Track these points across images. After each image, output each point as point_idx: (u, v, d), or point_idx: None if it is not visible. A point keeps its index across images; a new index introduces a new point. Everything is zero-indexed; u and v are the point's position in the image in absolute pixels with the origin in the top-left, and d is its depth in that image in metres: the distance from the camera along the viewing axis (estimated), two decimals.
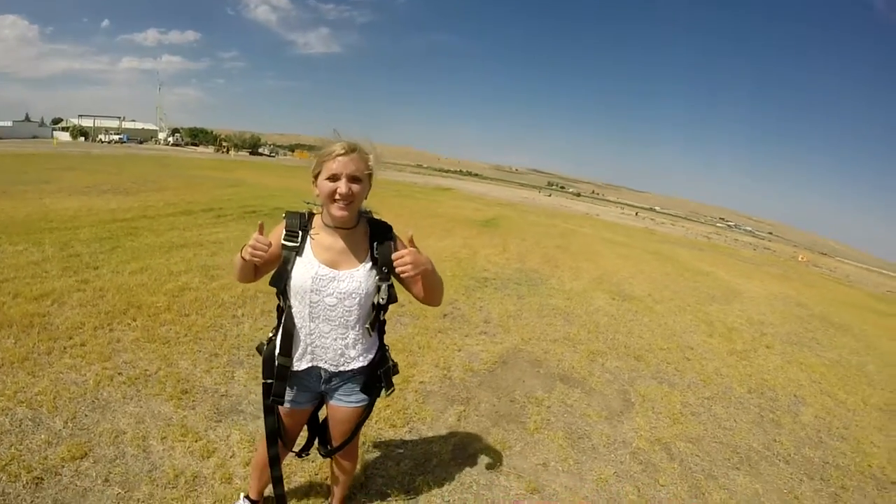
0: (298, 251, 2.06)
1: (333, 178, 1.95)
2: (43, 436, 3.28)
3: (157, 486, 2.97)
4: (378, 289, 2.09)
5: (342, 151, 1.96)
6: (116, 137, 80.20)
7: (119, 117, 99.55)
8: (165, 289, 6.14)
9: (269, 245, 1.97)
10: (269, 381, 2.19)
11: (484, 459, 3.59)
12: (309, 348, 2.13)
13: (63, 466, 3.04)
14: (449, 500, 3.15)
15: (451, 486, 3.28)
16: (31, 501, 2.77)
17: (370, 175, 2.06)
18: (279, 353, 2.15)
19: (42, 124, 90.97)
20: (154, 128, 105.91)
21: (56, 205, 11.27)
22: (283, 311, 2.17)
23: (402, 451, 3.57)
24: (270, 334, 2.25)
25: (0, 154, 29.17)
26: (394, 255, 1.94)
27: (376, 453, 3.50)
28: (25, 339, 4.45)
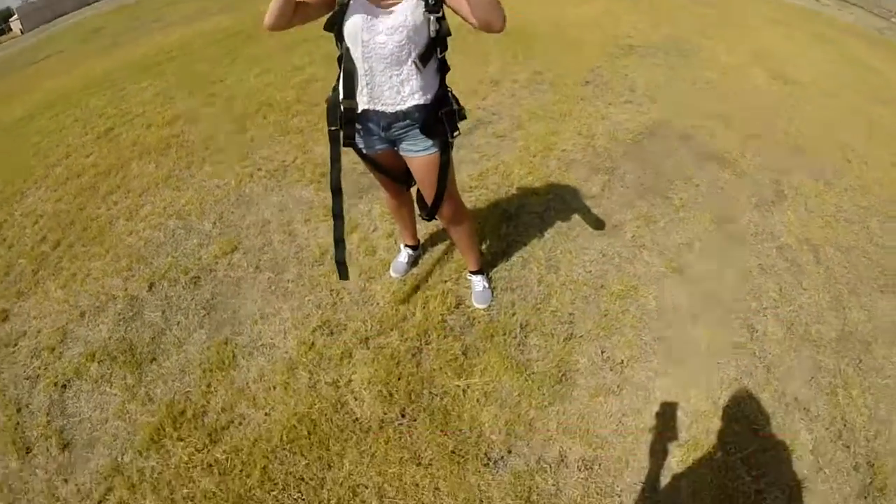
0: None
1: None
2: (195, 240, 3.74)
3: (305, 265, 3.32)
4: (428, 21, 2.09)
5: None
6: None
7: None
8: (293, 83, 6.39)
9: None
10: (334, 128, 2.31)
11: (627, 233, 3.61)
12: (366, 89, 2.21)
13: (216, 263, 3.47)
14: (591, 271, 3.26)
15: (592, 256, 3.37)
16: (192, 299, 3.24)
17: None
18: (343, 98, 2.24)
19: None
20: None
21: (168, 38, 11.65)
22: (340, 61, 2.24)
23: (543, 219, 3.68)
24: (335, 84, 2.35)
25: (108, 12, 30.13)
26: None
27: (517, 220, 3.65)
28: (164, 161, 4.92)
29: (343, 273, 2.65)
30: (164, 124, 5.80)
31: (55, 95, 8.90)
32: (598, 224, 3.66)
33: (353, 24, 2.08)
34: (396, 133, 2.32)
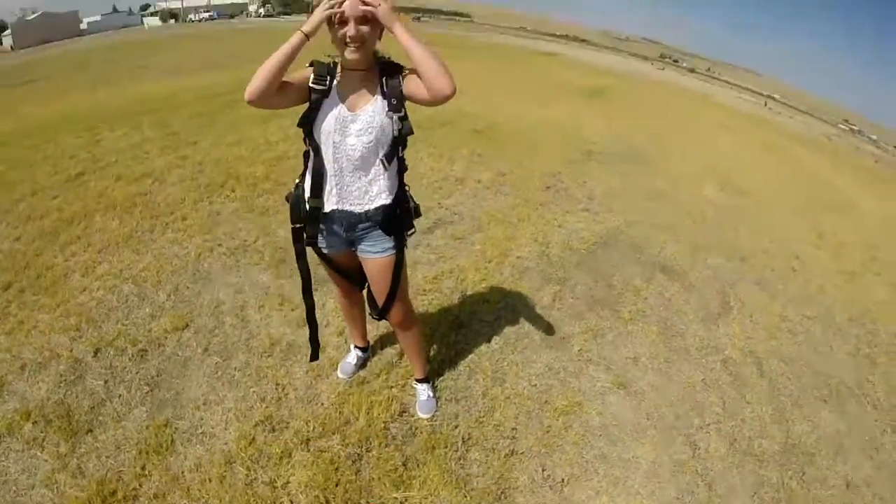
0: (326, 94, 2.16)
1: (342, 21, 2.01)
2: (147, 309, 3.62)
3: (254, 354, 3.23)
4: (390, 119, 2.16)
5: None
6: (206, 15, 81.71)
7: None
8: (263, 158, 6.40)
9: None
10: (297, 225, 2.37)
11: (575, 345, 3.61)
12: (335, 189, 2.26)
13: (166, 338, 3.35)
14: (536, 385, 3.23)
15: (538, 369, 3.34)
16: (137, 372, 3.10)
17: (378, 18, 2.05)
18: (310, 196, 2.29)
19: (130, 13, 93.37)
20: (244, 0, 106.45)
21: (152, 88, 11.76)
22: (307, 159, 2.32)
23: (493, 328, 3.65)
24: (297, 180, 2.41)
25: (94, 48, 30.52)
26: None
27: (468, 329, 3.60)
28: (129, 218, 4.82)
29: (315, 354, 2.83)
30: (133, 179, 5.72)
31: (31, 126, 8.83)
32: (546, 336, 3.66)
33: (326, 125, 2.15)
34: (357, 233, 2.35)
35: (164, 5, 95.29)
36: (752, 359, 3.89)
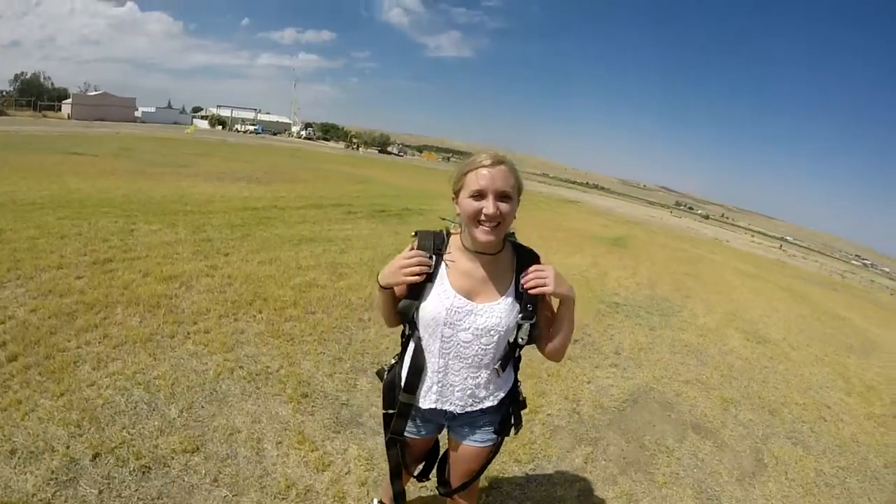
0: (432, 277, 1.80)
1: (479, 195, 1.67)
2: (156, 422, 3.31)
3: (267, 494, 2.90)
4: (519, 327, 1.82)
5: (488, 163, 1.68)
6: (252, 128, 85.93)
7: (255, 109, 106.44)
8: (293, 283, 6.27)
9: (430, 259, 1.78)
10: (392, 411, 2.00)
11: None
12: (435, 387, 1.90)
13: (173, 458, 3.03)
14: None
15: None
16: (136, 490, 2.76)
17: (519, 192, 1.77)
18: (403, 390, 1.94)
19: (183, 112, 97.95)
20: (288, 121, 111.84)
21: (192, 189, 12.03)
22: (408, 340, 1.97)
23: (524, 490, 3.35)
24: (393, 360, 2.06)
25: (143, 137, 31.89)
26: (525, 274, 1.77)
27: (498, 490, 3.30)
28: (151, 319, 4.63)
29: None
30: (161, 279, 5.60)
31: (72, 198, 8.95)
32: (578, 501, 3.36)
33: (434, 315, 1.80)
34: (460, 422, 2.02)
35: (214, 111, 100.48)
36: None
